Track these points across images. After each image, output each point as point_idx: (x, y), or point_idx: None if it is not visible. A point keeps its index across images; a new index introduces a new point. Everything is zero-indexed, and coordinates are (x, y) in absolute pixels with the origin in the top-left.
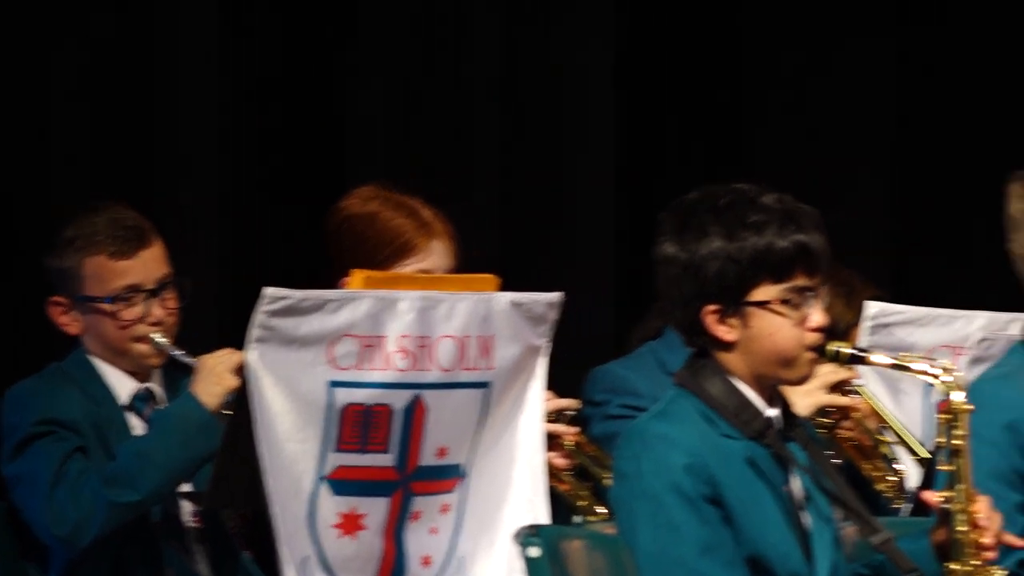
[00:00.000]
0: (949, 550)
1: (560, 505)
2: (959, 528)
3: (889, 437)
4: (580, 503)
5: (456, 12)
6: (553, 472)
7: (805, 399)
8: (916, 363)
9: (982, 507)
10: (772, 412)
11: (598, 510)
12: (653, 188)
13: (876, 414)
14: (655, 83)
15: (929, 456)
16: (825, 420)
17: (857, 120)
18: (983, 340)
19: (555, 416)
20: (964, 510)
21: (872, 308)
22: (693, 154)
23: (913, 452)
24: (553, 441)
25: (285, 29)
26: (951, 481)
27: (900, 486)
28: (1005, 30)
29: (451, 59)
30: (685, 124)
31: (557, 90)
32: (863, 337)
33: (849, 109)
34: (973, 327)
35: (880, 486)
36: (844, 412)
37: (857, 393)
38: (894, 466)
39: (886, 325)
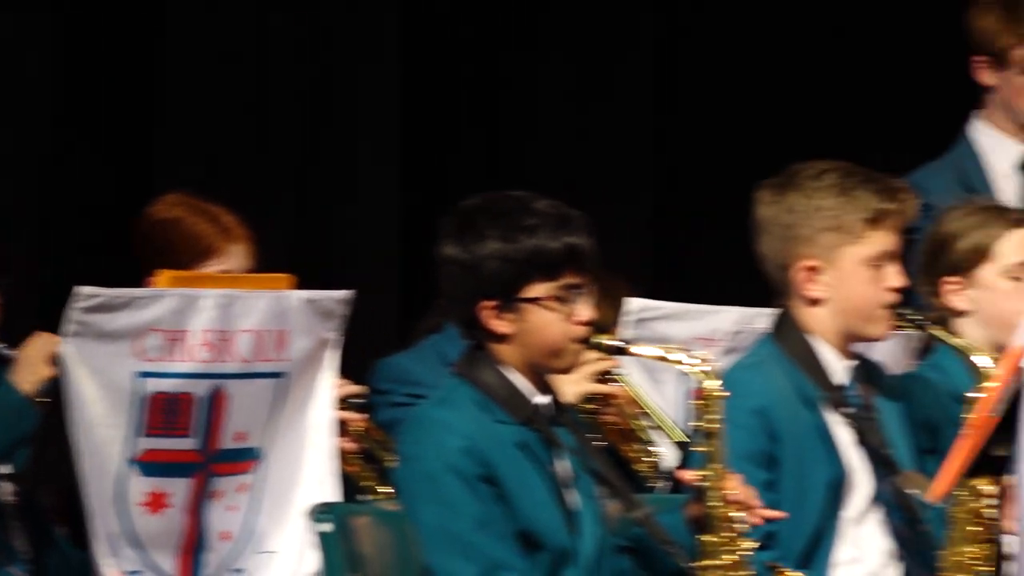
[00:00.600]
0: (703, 524)
1: (349, 486)
2: (712, 504)
3: (648, 422)
4: (366, 484)
5: (255, 19)
6: (342, 455)
7: (571, 387)
8: (674, 354)
9: (733, 484)
10: (541, 399)
11: (383, 490)
12: (436, 192)
13: (636, 401)
14: (440, 90)
15: (685, 439)
16: (590, 406)
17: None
18: (735, 332)
19: (344, 404)
20: (717, 487)
21: (634, 304)
22: (474, 160)
23: (670, 436)
24: (342, 427)
25: (73, 52)
26: (705, 461)
27: (657, 467)
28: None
29: (252, 68)
30: (468, 131)
31: (346, 97)
32: (626, 330)
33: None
34: (726, 321)
35: (639, 467)
36: (607, 399)
37: (619, 382)
38: (652, 449)
39: (646, 320)
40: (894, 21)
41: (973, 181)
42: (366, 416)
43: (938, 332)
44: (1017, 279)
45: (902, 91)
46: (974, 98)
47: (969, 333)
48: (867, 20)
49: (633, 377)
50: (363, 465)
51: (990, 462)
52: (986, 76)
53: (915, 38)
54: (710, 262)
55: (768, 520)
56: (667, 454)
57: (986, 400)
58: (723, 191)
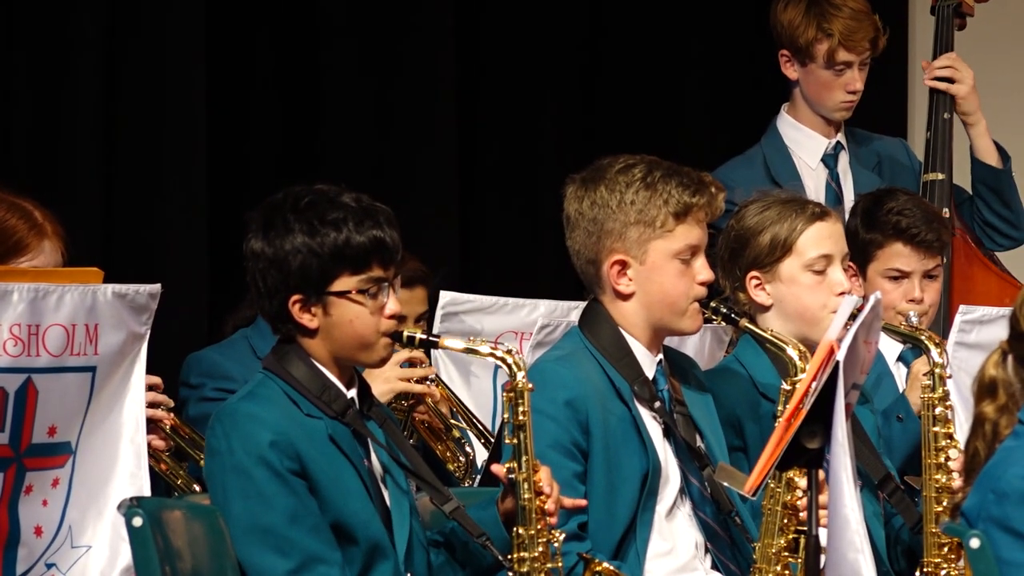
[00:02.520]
0: (515, 516)
1: (160, 484)
2: (524, 496)
3: (460, 422)
4: (178, 481)
5: (62, 21)
6: (152, 453)
7: (383, 385)
8: (483, 346)
9: (544, 476)
10: (351, 393)
11: (195, 488)
12: (244, 185)
13: (449, 400)
14: (246, 86)
15: (495, 437)
16: (402, 404)
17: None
18: (544, 326)
19: (153, 402)
20: (528, 479)
21: (444, 297)
22: (282, 155)
23: (481, 435)
24: (152, 424)
25: None
26: (516, 453)
27: (469, 466)
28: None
29: (57, 64)
30: (276, 126)
31: (152, 92)
32: (436, 324)
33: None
34: (536, 314)
35: (451, 466)
36: (419, 398)
37: (433, 381)
38: (464, 448)
39: (456, 313)
40: (696, 14)
41: (780, 174)
42: (172, 416)
43: (749, 325)
44: (819, 273)
45: (706, 86)
46: (780, 92)
47: (772, 327)
48: (666, 14)
49: (445, 371)
50: (173, 463)
51: (803, 454)
52: (790, 70)
53: (716, 32)
54: (519, 255)
55: (576, 510)
56: (478, 453)
57: (798, 392)
58: (531, 184)
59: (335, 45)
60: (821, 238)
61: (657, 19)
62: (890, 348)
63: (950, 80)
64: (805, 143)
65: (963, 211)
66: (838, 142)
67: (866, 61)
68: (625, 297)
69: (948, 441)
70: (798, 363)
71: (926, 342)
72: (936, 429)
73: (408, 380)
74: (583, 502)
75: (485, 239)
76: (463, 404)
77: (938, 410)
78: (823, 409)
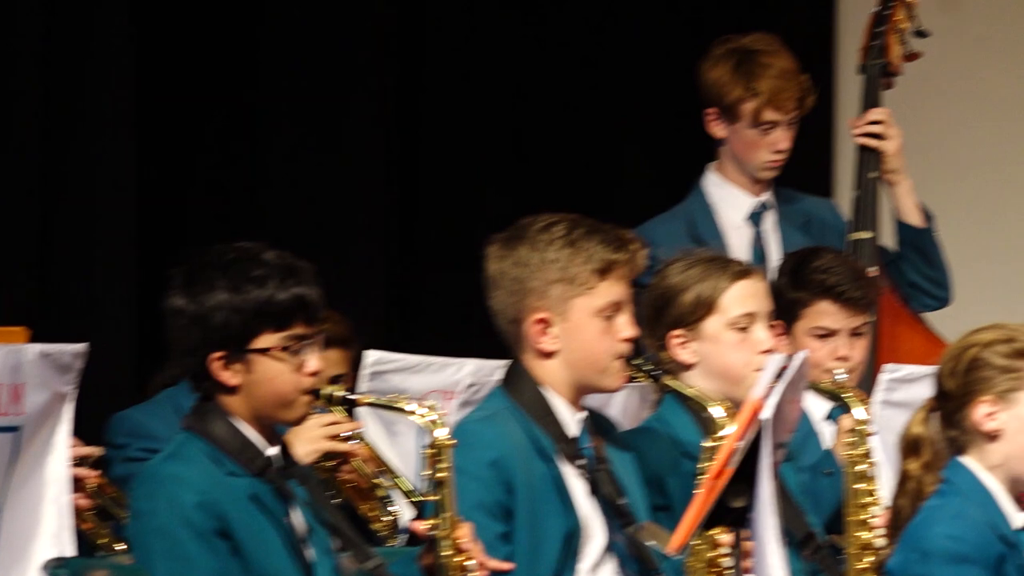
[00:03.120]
0: (436, 574)
1: (83, 543)
2: (444, 553)
3: (386, 480)
4: (101, 540)
5: None
6: (77, 512)
7: (309, 445)
8: (404, 404)
9: (465, 533)
10: (272, 451)
11: (117, 548)
12: (173, 244)
13: (374, 459)
14: (176, 151)
15: (421, 496)
16: (327, 464)
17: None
18: (471, 385)
19: (79, 460)
20: (449, 536)
21: (370, 356)
22: (212, 213)
23: (407, 493)
24: (77, 483)
25: None
26: (437, 510)
27: (394, 525)
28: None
29: None
30: (206, 184)
31: (83, 149)
32: (362, 383)
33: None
34: (462, 373)
35: (376, 525)
36: (344, 457)
37: (358, 439)
38: (389, 508)
39: (384, 372)
40: (626, 71)
41: (703, 232)
42: (100, 472)
43: (673, 383)
44: (742, 330)
45: (634, 142)
46: (707, 150)
47: (696, 385)
48: (599, 72)
49: (370, 430)
50: (97, 522)
51: (728, 513)
52: (717, 128)
53: (645, 90)
54: (445, 314)
55: (498, 572)
56: (404, 510)
57: (723, 450)
58: (457, 244)
59: (284, 108)
60: (744, 296)
61: (591, 76)
62: (818, 406)
63: (880, 136)
64: (731, 201)
65: (891, 270)
66: (765, 201)
67: (793, 120)
68: (548, 355)
69: (871, 498)
70: (720, 421)
71: (849, 399)
72: (859, 486)
73: (334, 438)
74: (510, 565)
75: (414, 299)
76: (388, 462)
77: (861, 467)
78: (749, 468)
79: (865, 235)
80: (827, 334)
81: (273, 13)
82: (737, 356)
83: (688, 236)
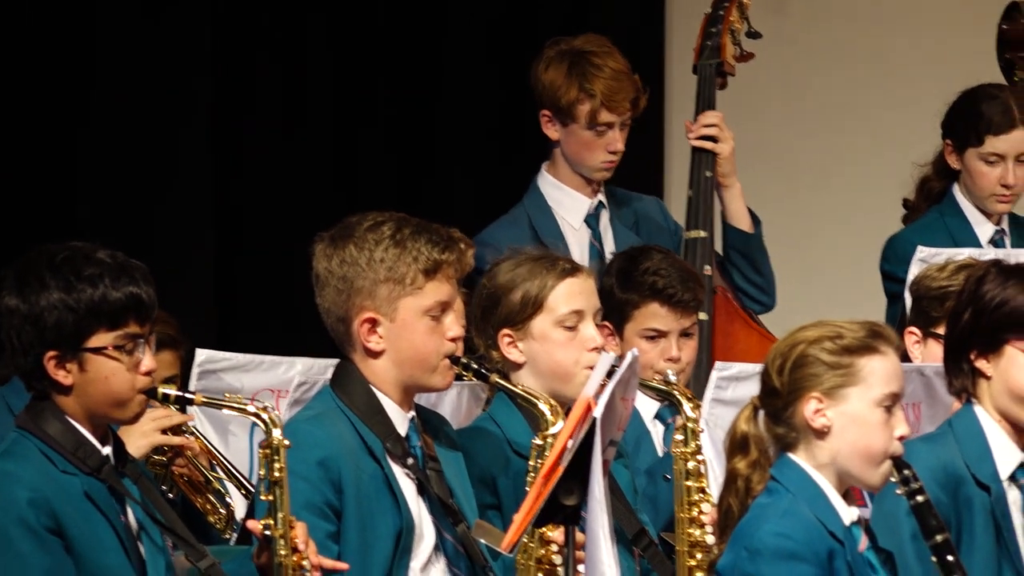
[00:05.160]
0: (270, 573)
1: None
2: (280, 552)
3: (220, 474)
4: None
5: None
6: None
7: (140, 440)
8: (238, 404)
9: (299, 533)
10: (106, 450)
11: None
12: (10, 245)
13: (208, 452)
14: (16, 146)
15: (253, 490)
16: (161, 458)
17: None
18: (301, 384)
19: None
20: (283, 536)
21: (201, 355)
22: (34, 218)
23: (241, 487)
24: None
25: None
26: (271, 510)
27: (229, 518)
28: None
29: None
30: (40, 185)
31: None
32: (193, 381)
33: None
34: (293, 372)
35: (212, 518)
36: (178, 451)
37: (191, 434)
38: (225, 500)
39: (214, 371)
40: (456, 74)
41: (544, 234)
42: None
43: (501, 382)
44: (570, 329)
45: (464, 142)
46: (541, 151)
47: (526, 384)
48: (430, 74)
49: (203, 428)
50: None
51: (560, 510)
52: (551, 130)
53: (477, 90)
54: (276, 313)
55: (330, 571)
56: (238, 506)
57: (555, 449)
58: (286, 242)
59: (97, 96)
60: (572, 294)
61: (422, 77)
62: (646, 406)
63: (714, 139)
64: (567, 202)
65: (725, 269)
66: (600, 201)
67: (627, 122)
68: (376, 355)
69: (701, 495)
70: (549, 418)
71: (679, 397)
72: (689, 484)
73: (166, 431)
74: (344, 565)
75: (243, 297)
76: (222, 456)
77: (690, 465)
78: (580, 466)
79: (700, 234)
80: (657, 335)
81: None
82: (566, 354)
83: (531, 238)
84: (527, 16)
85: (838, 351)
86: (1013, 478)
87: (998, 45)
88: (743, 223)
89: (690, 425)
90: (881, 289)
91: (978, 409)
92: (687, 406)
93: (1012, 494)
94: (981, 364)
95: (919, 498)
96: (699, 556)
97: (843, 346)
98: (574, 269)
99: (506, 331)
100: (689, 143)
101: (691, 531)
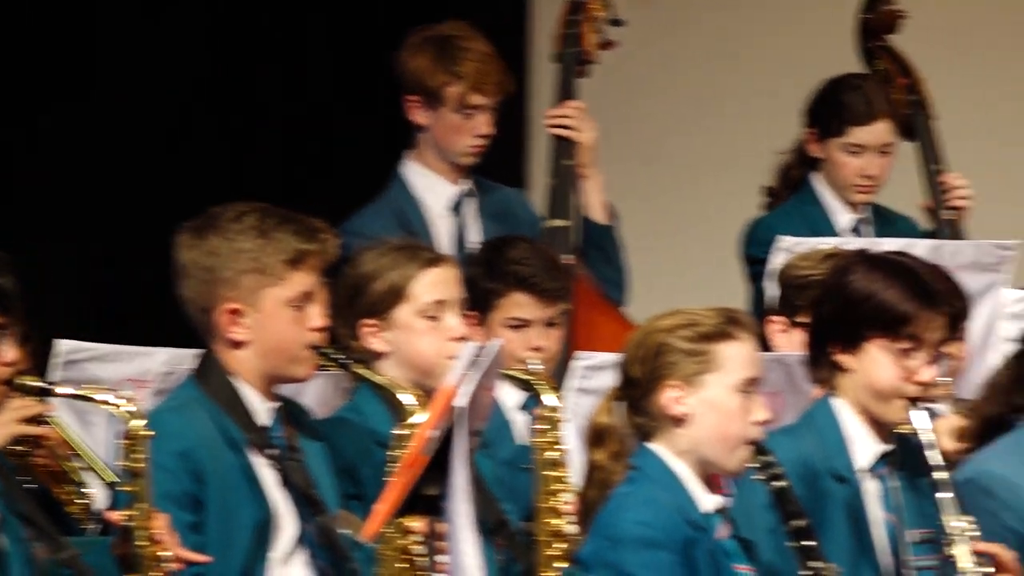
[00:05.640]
0: (130, 564)
1: None
2: (140, 543)
3: (80, 464)
4: None
5: None
6: None
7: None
8: (99, 394)
9: (160, 524)
10: None
11: None
12: None
13: (67, 443)
14: None
15: (115, 480)
16: (19, 448)
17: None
18: (167, 373)
19: None
20: (144, 527)
21: (64, 346)
22: None
23: (101, 477)
24: None
25: None
26: (132, 501)
27: (89, 508)
28: None
29: None
30: None
31: None
32: (54, 373)
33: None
34: (155, 362)
35: (72, 509)
36: (37, 441)
37: (49, 423)
38: (84, 490)
39: (76, 361)
40: (318, 62)
41: (410, 222)
42: None
43: (363, 371)
44: (433, 319)
45: (332, 131)
46: (405, 138)
47: (390, 374)
48: (293, 63)
49: (64, 419)
50: None
51: (422, 500)
52: (419, 115)
53: (341, 77)
54: (139, 303)
55: (192, 562)
56: (99, 496)
57: (417, 438)
58: (149, 232)
59: None
60: (435, 284)
61: (286, 68)
62: (509, 396)
63: (574, 129)
64: (433, 189)
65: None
66: (465, 189)
67: (495, 105)
68: (238, 345)
69: (561, 485)
70: (412, 409)
71: (539, 387)
72: (549, 473)
73: (24, 421)
74: (205, 557)
75: (106, 288)
76: (83, 446)
77: (551, 455)
78: (443, 456)
79: (560, 223)
80: (521, 324)
81: None
82: (428, 344)
83: (398, 227)
84: (387, 5)
85: (695, 339)
86: (872, 470)
87: (859, 34)
88: (599, 215)
89: (551, 416)
90: (745, 277)
91: (837, 401)
92: (547, 396)
93: (871, 486)
94: (842, 358)
95: (778, 483)
96: (559, 545)
97: (699, 333)
98: (437, 259)
99: (369, 321)
100: (546, 131)
101: (551, 521)
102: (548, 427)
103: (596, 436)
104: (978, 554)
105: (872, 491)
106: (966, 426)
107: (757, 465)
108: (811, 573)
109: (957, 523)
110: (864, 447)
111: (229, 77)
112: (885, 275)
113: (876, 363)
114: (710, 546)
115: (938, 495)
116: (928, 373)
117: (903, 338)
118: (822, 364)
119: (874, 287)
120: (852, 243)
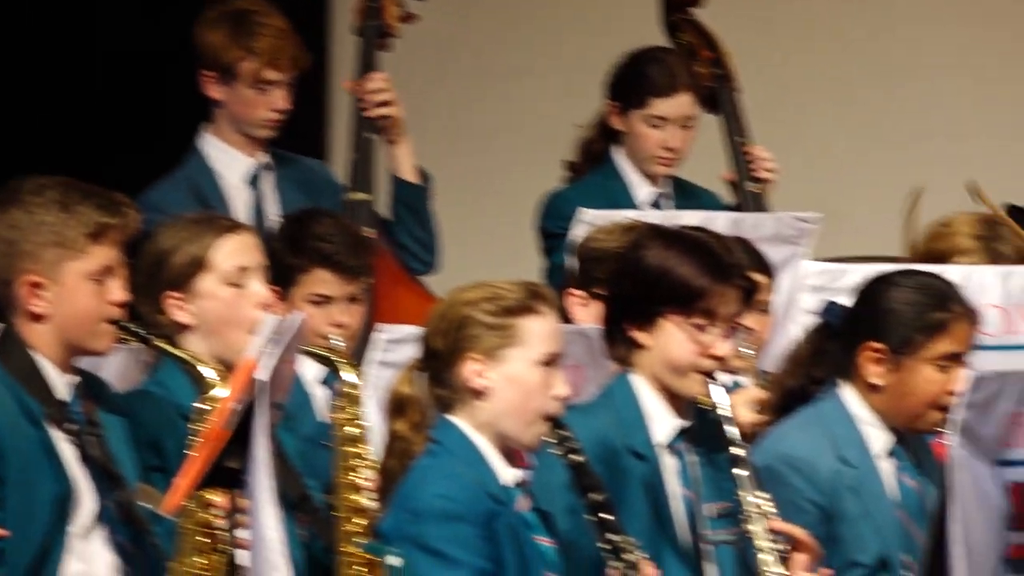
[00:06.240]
0: None
1: None
2: None
3: None
4: None
5: None
6: None
7: None
8: None
9: None
10: None
11: None
12: None
13: None
14: None
15: None
16: None
17: None
18: None
19: None
20: None
21: None
22: None
23: None
24: None
25: None
26: None
27: None
28: None
29: None
30: None
31: None
32: None
33: None
34: None
35: None
36: None
37: None
38: None
39: None
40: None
41: (207, 195)
42: None
43: (163, 345)
44: (236, 286)
45: (130, 105)
46: (202, 112)
47: (195, 347)
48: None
49: None
50: None
51: (223, 474)
52: (214, 90)
53: (139, 51)
54: None
55: None
56: None
57: (218, 412)
58: None
59: None
60: (235, 250)
61: (77, 45)
62: (310, 371)
63: (384, 103)
64: (230, 163)
65: (388, 231)
66: (263, 163)
67: (290, 81)
68: (38, 319)
69: (361, 460)
70: (213, 382)
71: (339, 362)
72: (348, 449)
73: None
74: (4, 532)
75: None
76: None
77: (350, 430)
78: (244, 429)
79: (362, 196)
80: (324, 300)
81: None
82: (233, 312)
83: (195, 200)
84: None
85: (497, 312)
86: (670, 446)
87: (663, 7)
88: (412, 176)
89: (350, 391)
90: (541, 250)
91: (634, 378)
92: (346, 372)
93: (669, 462)
94: (637, 335)
95: (575, 457)
96: (358, 521)
97: (502, 307)
98: (235, 226)
99: (172, 294)
100: (365, 115)
101: (351, 496)
102: (347, 403)
103: (397, 406)
104: (774, 532)
105: (670, 467)
106: (767, 398)
107: (554, 440)
108: (609, 547)
109: (754, 499)
110: (662, 423)
111: (25, 50)
112: (678, 251)
113: (671, 339)
114: (511, 519)
115: (735, 471)
116: (723, 347)
117: (697, 313)
118: (619, 341)
119: (667, 263)
120: (653, 216)
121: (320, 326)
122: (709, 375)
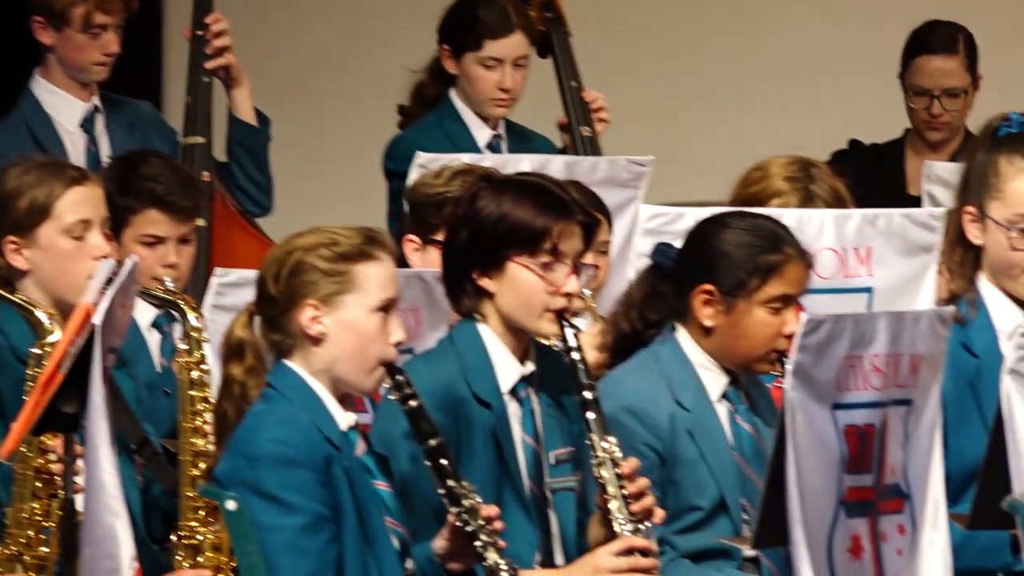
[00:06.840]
0: None
1: None
2: None
3: None
4: None
5: None
6: None
7: None
8: None
9: None
10: None
11: None
12: None
13: None
14: None
15: None
16: None
17: None
18: None
19: None
20: None
21: None
22: None
23: None
24: None
25: None
26: None
27: None
28: None
29: None
30: None
31: None
32: None
33: None
34: None
35: None
36: None
37: None
38: None
39: None
40: None
41: (43, 140)
42: None
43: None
44: (78, 239)
45: None
46: (35, 56)
47: (31, 293)
48: None
49: None
50: None
51: (59, 418)
52: (44, 35)
53: None
54: None
55: None
56: None
57: (52, 357)
58: None
59: None
60: (79, 203)
61: None
62: (143, 315)
63: (221, 50)
64: (62, 107)
65: (223, 173)
66: (95, 106)
67: (120, 23)
68: None
69: (205, 405)
70: (48, 326)
71: (182, 306)
72: (193, 393)
73: None
74: None
75: None
76: None
77: (195, 374)
78: (80, 373)
79: (198, 140)
80: (155, 241)
81: None
82: (72, 264)
83: (31, 144)
84: None
85: (334, 258)
86: (513, 392)
87: None
88: (250, 118)
89: (194, 334)
90: (382, 196)
91: (479, 326)
92: (191, 316)
93: (512, 408)
94: (485, 282)
95: (412, 403)
96: (203, 465)
97: (339, 253)
98: (83, 177)
99: (12, 238)
100: (207, 66)
101: (195, 440)
102: (191, 347)
103: (233, 350)
104: (621, 476)
105: (514, 413)
106: (604, 341)
107: (391, 385)
108: (445, 492)
109: (603, 443)
110: (507, 370)
111: None
112: (513, 194)
113: (519, 281)
114: (348, 463)
115: (587, 414)
116: (572, 284)
117: (542, 252)
118: (465, 292)
119: (504, 208)
120: (488, 159)
121: (152, 267)
122: (562, 315)
